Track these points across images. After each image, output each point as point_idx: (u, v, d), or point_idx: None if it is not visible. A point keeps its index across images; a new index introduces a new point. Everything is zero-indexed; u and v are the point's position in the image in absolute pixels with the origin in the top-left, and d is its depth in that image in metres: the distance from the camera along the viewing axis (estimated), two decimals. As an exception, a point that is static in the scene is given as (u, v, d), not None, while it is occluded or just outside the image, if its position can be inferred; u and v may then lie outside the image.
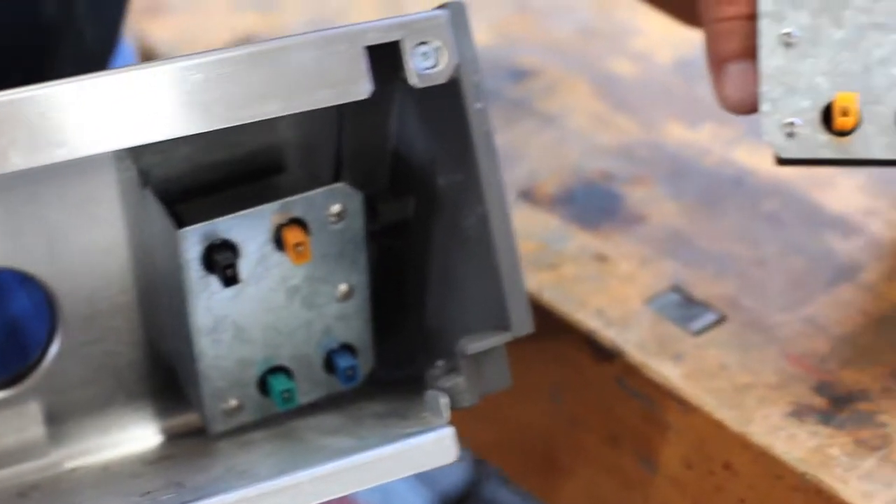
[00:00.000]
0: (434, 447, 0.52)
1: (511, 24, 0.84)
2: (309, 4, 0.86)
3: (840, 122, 0.52)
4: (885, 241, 0.66)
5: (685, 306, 0.63)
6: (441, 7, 0.51)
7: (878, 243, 0.66)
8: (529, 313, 0.53)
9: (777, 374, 0.60)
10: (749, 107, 0.55)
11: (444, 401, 0.53)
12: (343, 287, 0.55)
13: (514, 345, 0.66)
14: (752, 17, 0.54)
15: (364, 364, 0.57)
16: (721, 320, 0.62)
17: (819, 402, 0.58)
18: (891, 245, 0.65)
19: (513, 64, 0.80)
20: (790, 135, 0.53)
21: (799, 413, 0.58)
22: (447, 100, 0.51)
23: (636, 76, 0.78)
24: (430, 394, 0.53)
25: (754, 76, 0.54)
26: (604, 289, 0.64)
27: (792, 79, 0.53)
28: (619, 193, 0.70)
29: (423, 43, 0.50)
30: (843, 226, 0.66)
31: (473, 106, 0.51)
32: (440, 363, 0.54)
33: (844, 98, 0.52)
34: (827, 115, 0.53)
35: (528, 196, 0.70)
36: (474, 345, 0.52)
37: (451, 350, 0.53)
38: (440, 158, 0.54)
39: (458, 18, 0.50)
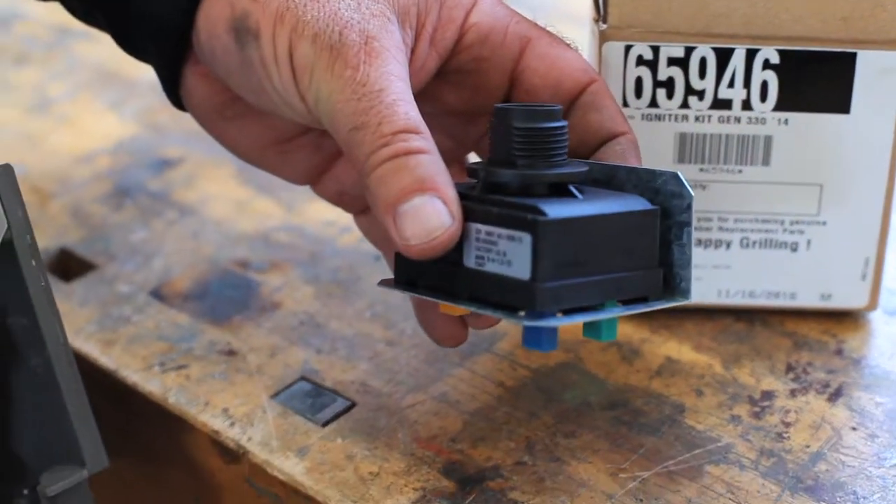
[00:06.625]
0: None
1: (156, 114, 0.81)
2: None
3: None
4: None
5: (313, 396, 0.61)
6: None
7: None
8: (102, 449, 0.54)
9: (405, 459, 0.57)
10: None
11: None
12: None
13: (152, 451, 0.63)
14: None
15: None
16: (350, 408, 0.60)
17: (447, 484, 0.56)
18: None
19: (157, 154, 0.78)
20: None
21: (426, 499, 0.55)
22: (5, 259, 0.53)
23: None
24: None
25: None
26: (230, 386, 0.61)
27: None
28: (254, 282, 0.67)
29: None
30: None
31: (28, 264, 0.53)
32: (26, 493, 0.54)
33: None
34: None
35: (159, 295, 0.67)
36: (53, 486, 0.53)
37: (34, 484, 0.54)
38: (9, 304, 0.54)
39: (5, 182, 0.51)
